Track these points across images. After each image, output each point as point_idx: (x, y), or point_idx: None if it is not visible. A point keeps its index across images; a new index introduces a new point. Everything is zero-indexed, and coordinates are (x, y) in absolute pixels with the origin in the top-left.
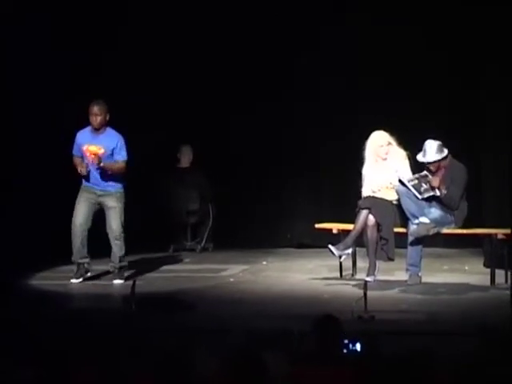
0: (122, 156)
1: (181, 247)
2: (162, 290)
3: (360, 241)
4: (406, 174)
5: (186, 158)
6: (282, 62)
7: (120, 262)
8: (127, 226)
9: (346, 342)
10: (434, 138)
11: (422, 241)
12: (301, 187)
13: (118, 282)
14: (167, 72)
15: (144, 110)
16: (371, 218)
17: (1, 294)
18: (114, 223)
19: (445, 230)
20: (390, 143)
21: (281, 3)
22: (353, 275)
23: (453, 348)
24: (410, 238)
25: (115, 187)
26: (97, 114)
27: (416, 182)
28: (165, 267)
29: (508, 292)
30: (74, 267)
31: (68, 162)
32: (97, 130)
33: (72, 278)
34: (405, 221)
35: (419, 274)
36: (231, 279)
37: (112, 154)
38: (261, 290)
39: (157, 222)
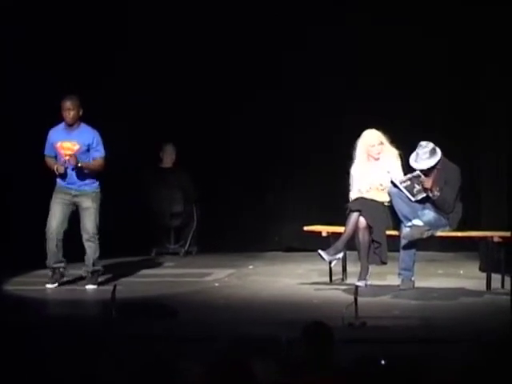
0: (99, 152)
1: (164, 251)
2: (143, 296)
3: (351, 244)
4: (398, 174)
5: (168, 158)
6: (269, 60)
7: (93, 265)
8: (108, 228)
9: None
10: (427, 139)
11: (416, 244)
12: (289, 188)
13: (90, 287)
14: (150, 68)
15: (125, 107)
16: (362, 220)
17: None
18: (89, 224)
19: (439, 233)
20: (382, 143)
21: (278, 4)
22: (343, 280)
23: (447, 355)
24: (403, 242)
25: (91, 187)
26: (69, 108)
27: (409, 183)
28: (147, 271)
29: (505, 297)
30: (49, 272)
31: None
32: (70, 125)
33: (47, 283)
34: (397, 223)
35: (412, 279)
36: (216, 284)
37: (88, 150)
38: (247, 295)
39: (139, 224)
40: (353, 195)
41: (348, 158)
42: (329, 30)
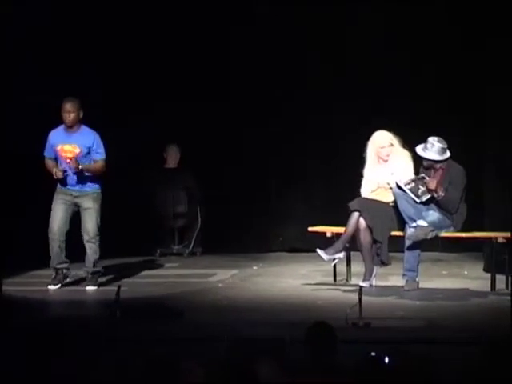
0: (100, 154)
1: (168, 251)
2: (147, 296)
3: (355, 245)
4: (404, 176)
5: (172, 158)
6: (274, 63)
7: (94, 266)
8: (112, 228)
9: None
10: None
11: (420, 245)
12: (293, 189)
13: (91, 288)
14: (153, 69)
15: (129, 107)
16: (362, 221)
17: None
18: (89, 225)
19: (443, 234)
20: (392, 144)
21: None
22: (347, 280)
23: (451, 356)
24: (407, 242)
25: (92, 187)
26: (69, 111)
27: (413, 184)
28: (151, 272)
29: (509, 298)
30: (52, 272)
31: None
32: (70, 128)
33: (50, 284)
34: (402, 224)
35: (417, 280)
36: (220, 285)
37: (89, 153)
38: (251, 295)
39: (143, 224)
40: (362, 195)
41: (353, 159)
42: (337, 31)
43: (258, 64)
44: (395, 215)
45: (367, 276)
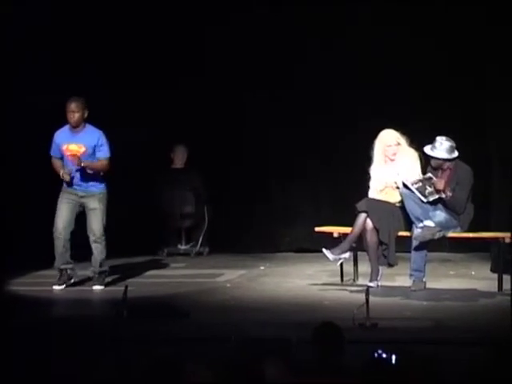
0: (103, 153)
1: (175, 251)
2: (154, 296)
3: (362, 245)
4: (415, 175)
5: (179, 158)
6: (282, 61)
7: (100, 266)
8: (119, 228)
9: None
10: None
11: (427, 245)
12: (300, 189)
13: (97, 287)
14: (161, 69)
15: (136, 107)
16: (369, 221)
17: None
18: (95, 225)
19: (450, 234)
20: (398, 143)
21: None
22: (354, 281)
23: (458, 356)
24: (415, 243)
25: (98, 187)
26: (74, 110)
27: (420, 184)
28: (158, 272)
29: None
30: (57, 273)
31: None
32: (75, 127)
33: (54, 284)
34: (409, 224)
35: (424, 280)
36: (227, 285)
37: (94, 152)
38: (258, 296)
39: (150, 224)
40: (370, 195)
41: (360, 159)
42: (341, 33)
43: (261, 64)
44: (402, 216)
45: (374, 276)
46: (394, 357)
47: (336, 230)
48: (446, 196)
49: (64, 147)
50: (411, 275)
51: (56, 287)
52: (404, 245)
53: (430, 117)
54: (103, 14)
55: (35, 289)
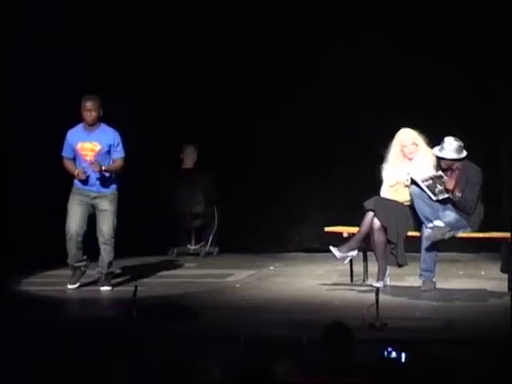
0: (119, 153)
1: (184, 251)
2: (164, 296)
3: (371, 245)
4: (421, 173)
5: (189, 159)
6: (293, 61)
7: (108, 267)
8: (129, 229)
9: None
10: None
11: (437, 245)
12: (310, 189)
13: (105, 288)
14: (171, 69)
15: (147, 107)
16: (376, 221)
17: None
18: (105, 227)
19: (460, 234)
20: (415, 143)
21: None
22: (364, 281)
23: (468, 356)
24: (424, 242)
25: (110, 188)
26: (91, 109)
27: (431, 182)
28: (167, 272)
29: None
30: (70, 271)
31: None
32: (90, 126)
33: (68, 283)
34: (419, 224)
35: (434, 280)
36: (237, 285)
37: (109, 151)
38: (268, 296)
39: (159, 225)
40: (382, 193)
41: (371, 159)
42: (353, 35)
43: (272, 62)
44: (411, 215)
45: (381, 276)
46: (403, 356)
47: (346, 230)
48: (456, 196)
49: (78, 146)
50: (421, 275)
51: (70, 286)
52: (414, 245)
53: (439, 117)
54: (112, 13)
55: (44, 288)
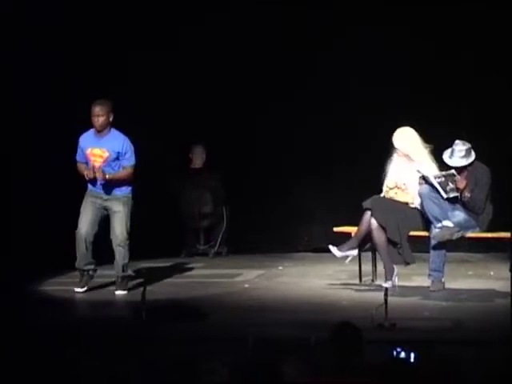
0: (128, 161)
1: (193, 252)
2: (173, 297)
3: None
4: (431, 172)
5: (198, 159)
6: (297, 62)
7: (123, 271)
8: (137, 230)
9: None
10: (463, 139)
11: (446, 245)
12: (318, 189)
13: (120, 293)
14: (179, 69)
15: (155, 107)
16: (374, 220)
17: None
18: (118, 229)
19: (469, 234)
20: (412, 142)
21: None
22: (373, 281)
23: (477, 357)
24: (433, 242)
25: (123, 191)
26: (98, 114)
27: (443, 179)
28: (176, 273)
29: None
30: (78, 274)
31: (73, 166)
32: (100, 131)
33: (76, 287)
34: (427, 224)
35: (442, 280)
36: (246, 285)
37: (118, 158)
38: (276, 296)
39: (168, 225)
40: (383, 193)
41: (378, 158)
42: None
43: (278, 63)
44: (415, 214)
45: (388, 276)
46: (412, 356)
47: (354, 230)
48: (465, 197)
49: (88, 151)
50: (430, 275)
51: (78, 290)
52: (423, 245)
53: (448, 117)
54: (113, 13)
55: (54, 289)
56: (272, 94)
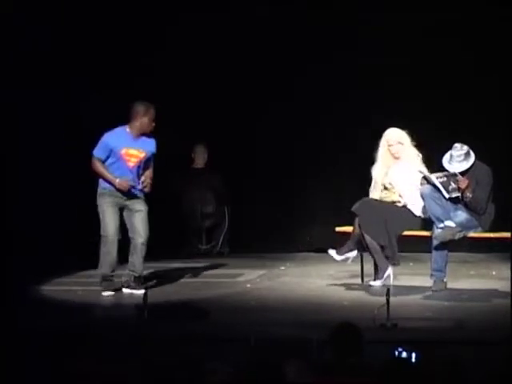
0: (152, 162)
1: (195, 251)
2: (175, 297)
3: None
4: (414, 177)
5: (200, 158)
6: (299, 62)
7: (140, 270)
8: None
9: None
10: (456, 140)
11: (447, 245)
12: (320, 189)
13: (138, 292)
14: (181, 69)
15: (156, 107)
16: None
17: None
18: (143, 226)
19: (471, 234)
20: (400, 143)
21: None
22: (375, 281)
23: (479, 357)
24: (435, 242)
25: (141, 192)
26: (154, 119)
27: (445, 179)
28: (178, 273)
29: None
30: (103, 280)
31: (74, 166)
32: (138, 133)
33: (103, 290)
34: (429, 224)
35: (444, 280)
36: (248, 285)
37: (150, 159)
38: (278, 296)
39: (170, 225)
40: (371, 194)
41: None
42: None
43: (280, 62)
44: (402, 213)
45: (380, 274)
46: (414, 356)
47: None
48: (467, 197)
49: (123, 151)
50: (432, 275)
51: (105, 293)
52: (424, 245)
53: (453, 117)
54: (114, 12)
55: (56, 289)
56: (274, 95)
